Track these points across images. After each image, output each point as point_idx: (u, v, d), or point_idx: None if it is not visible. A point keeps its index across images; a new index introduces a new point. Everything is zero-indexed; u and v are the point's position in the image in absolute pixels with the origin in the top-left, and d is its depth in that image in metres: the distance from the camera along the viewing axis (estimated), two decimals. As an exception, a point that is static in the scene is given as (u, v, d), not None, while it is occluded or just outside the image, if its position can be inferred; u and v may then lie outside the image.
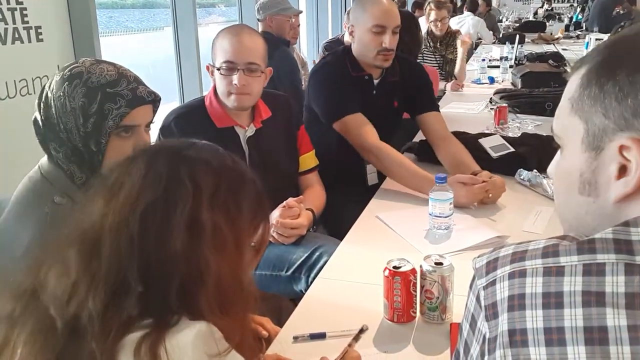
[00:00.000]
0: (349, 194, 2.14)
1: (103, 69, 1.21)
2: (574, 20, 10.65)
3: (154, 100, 1.26)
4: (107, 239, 0.74)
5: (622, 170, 0.61)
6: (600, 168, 0.63)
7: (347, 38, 4.59)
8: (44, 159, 1.24)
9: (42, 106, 1.21)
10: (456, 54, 4.47)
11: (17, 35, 2.38)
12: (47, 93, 1.21)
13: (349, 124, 2.13)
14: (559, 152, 0.73)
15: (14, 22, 2.36)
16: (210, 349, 0.70)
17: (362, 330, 1.17)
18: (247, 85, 1.78)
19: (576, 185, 0.67)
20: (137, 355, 0.67)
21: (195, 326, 0.71)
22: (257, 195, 0.87)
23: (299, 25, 3.97)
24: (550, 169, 0.76)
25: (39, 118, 1.22)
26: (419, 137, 2.44)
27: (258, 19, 3.78)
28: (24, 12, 2.41)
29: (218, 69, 1.79)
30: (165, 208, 0.75)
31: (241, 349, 0.76)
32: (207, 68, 1.88)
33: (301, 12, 4.10)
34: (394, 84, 2.30)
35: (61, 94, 1.18)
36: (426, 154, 2.40)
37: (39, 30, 2.49)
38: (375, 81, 2.28)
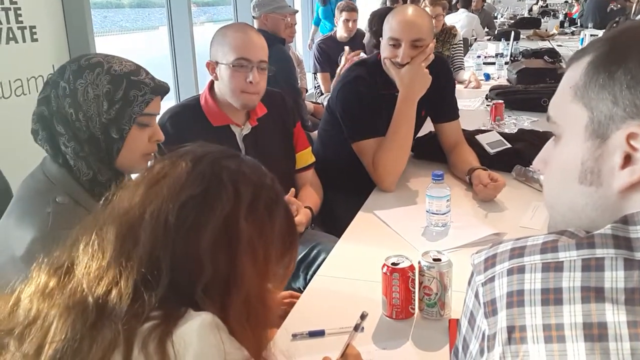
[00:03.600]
0: (346, 191, 2.14)
1: (121, 60, 1.23)
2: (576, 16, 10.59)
3: (167, 92, 1.29)
4: (147, 224, 0.75)
5: (627, 160, 0.61)
6: (604, 156, 0.62)
7: (340, 34, 4.60)
8: (46, 158, 1.22)
9: (51, 97, 1.19)
10: (452, 50, 4.46)
11: (11, 35, 2.37)
12: (60, 84, 1.18)
13: (364, 149, 2.10)
14: (549, 142, 0.72)
15: (8, 22, 2.35)
16: (216, 339, 0.69)
17: (363, 316, 1.15)
18: (259, 83, 1.78)
19: (576, 175, 0.65)
20: (145, 348, 0.67)
21: (201, 315, 0.71)
22: (288, 222, 0.87)
23: (295, 24, 3.95)
24: (538, 162, 0.74)
25: (45, 112, 1.19)
26: (421, 132, 2.44)
27: (253, 17, 3.77)
28: (18, 12, 2.40)
29: (232, 66, 1.76)
30: (203, 205, 0.77)
31: None
32: (208, 65, 1.85)
33: (297, 11, 4.08)
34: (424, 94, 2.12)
35: (82, 81, 1.17)
36: (422, 151, 2.41)
37: (34, 30, 2.48)
38: None
